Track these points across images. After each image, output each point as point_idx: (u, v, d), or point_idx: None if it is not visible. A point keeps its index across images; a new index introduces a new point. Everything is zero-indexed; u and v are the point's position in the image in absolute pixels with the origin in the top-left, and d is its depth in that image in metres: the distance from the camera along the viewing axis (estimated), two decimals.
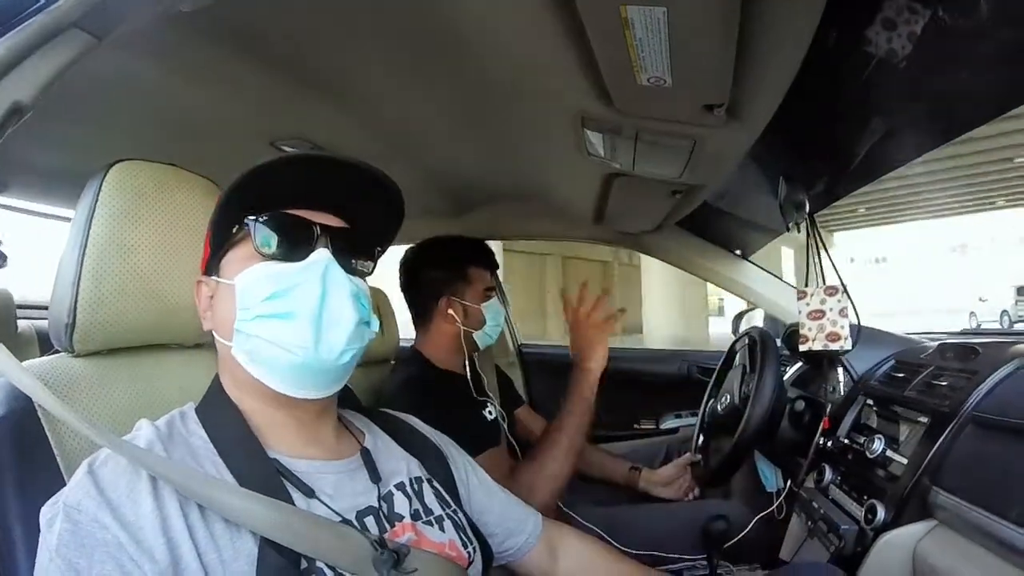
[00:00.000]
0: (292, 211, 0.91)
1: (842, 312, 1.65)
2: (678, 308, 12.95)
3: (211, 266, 0.94)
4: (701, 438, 2.11)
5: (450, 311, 1.94)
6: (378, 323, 0.98)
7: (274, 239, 0.88)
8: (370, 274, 0.99)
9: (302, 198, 0.92)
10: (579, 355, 1.84)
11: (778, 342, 1.88)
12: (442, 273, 1.99)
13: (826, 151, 1.55)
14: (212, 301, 0.93)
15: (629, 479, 2.24)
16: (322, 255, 0.88)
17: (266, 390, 0.88)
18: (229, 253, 0.92)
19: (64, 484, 0.85)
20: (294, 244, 0.89)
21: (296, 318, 0.85)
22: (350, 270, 0.92)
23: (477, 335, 1.99)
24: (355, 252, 0.95)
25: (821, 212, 1.89)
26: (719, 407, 2.02)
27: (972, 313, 23.50)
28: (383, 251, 1.04)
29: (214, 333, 0.93)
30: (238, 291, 0.87)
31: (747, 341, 2.01)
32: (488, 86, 1.35)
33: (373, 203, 0.96)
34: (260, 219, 0.89)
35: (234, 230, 0.91)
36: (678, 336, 12.50)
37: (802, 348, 1.71)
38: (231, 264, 0.91)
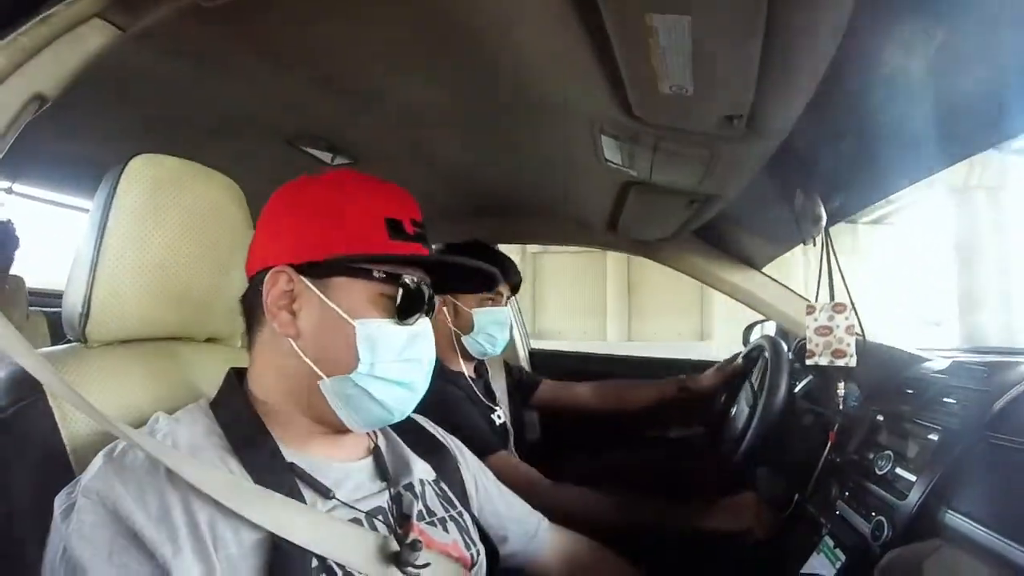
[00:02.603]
0: (412, 269, 0.93)
1: (848, 329, 1.65)
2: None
3: (311, 270, 0.90)
4: (708, 447, 2.11)
5: (443, 308, 1.95)
6: None
7: (411, 304, 0.91)
8: None
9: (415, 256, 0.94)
10: (729, 511, 1.63)
11: (789, 355, 1.88)
12: None
13: (844, 163, 1.54)
14: (294, 305, 0.91)
15: (680, 395, 2.29)
16: (426, 324, 0.95)
17: (325, 417, 0.91)
18: (346, 279, 0.90)
19: (73, 473, 0.86)
20: (420, 308, 0.93)
21: (410, 388, 0.92)
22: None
23: (467, 340, 1.98)
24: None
25: None
26: (728, 417, 2.02)
27: None
28: None
29: (294, 345, 0.90)
30: (360, 338, 0.88)
31: (757, 352, 2.01)
32: (507, 89, 1.35)
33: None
34: (407, 279, 0.91)
35: (374, 272, 0.91)
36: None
37: (809, 362, 1.71)
38: (350, 296, 0.90)
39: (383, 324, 0.89)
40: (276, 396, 0.91)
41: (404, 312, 0.90)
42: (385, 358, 0.88)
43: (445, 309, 1.97)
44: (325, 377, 0.88)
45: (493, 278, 1.07)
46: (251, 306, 0.95)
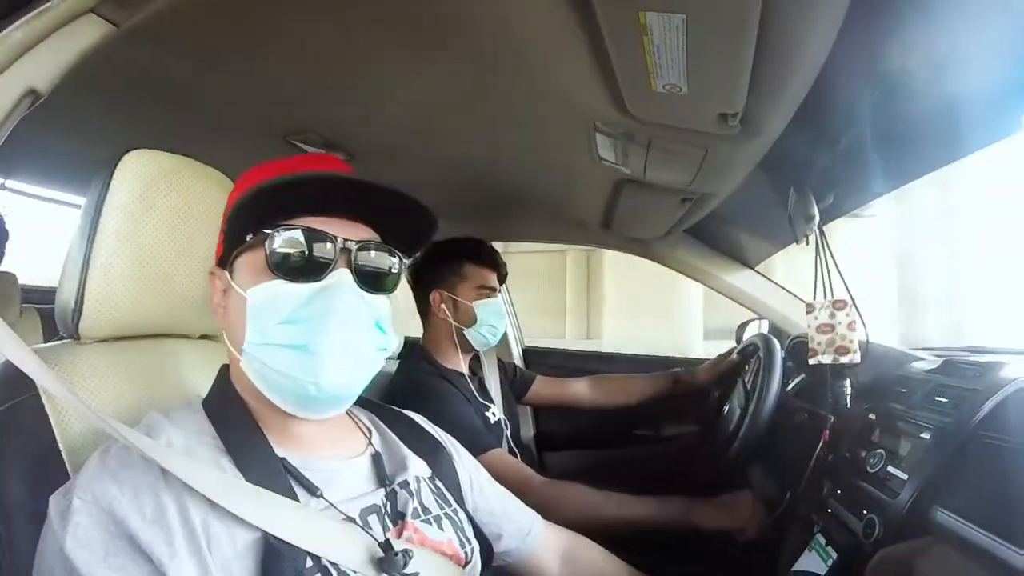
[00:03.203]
0: (314, 221, 0.87)
1: (851, 326, 1.65)
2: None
3: (224, 260, 0.92)
4: (701, 444, 2.11)
5: (442, 305, 1.96)
6: (395, 342, 0.95)
7: (292, 255, 0.85)
8: (395, 285, 0.95)
9: (327, 207, 0.88)
10: (723, 509, 1.65)
11: (781, 353, 1.88)
12: (438, 268, 2.04)
13: (838, 162, 1.55)
14: (225, 298, 0.92)
15: (676, 388, 2.32)
16: (342, 276, 0.85)
17: (267, 402, 0.87)
18: (244, 255, 0.89)
19: (67, 472, 0.86)
20: (313, 262, 0.85)
21: (308, 351, 0.83)
22: (376, 287, 0.89)
23: (469, 333, 2.00)
24: (381, 266, 0.92)
25: None
26: (721, 415, 2.02)
27: None
28: (409, 258, 1.01)
29: (224, 335, 0.91)
30: (248, 308, 0.85)
31: (751, 350, 2.01)
32: (500, 86, 1.35)
33: (402, 216, 0.93)
34: (279, 231, 0.85)
35: (248, 237, 0.88)
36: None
37: (812, 362, 1.70)
38: (244, 270, 0.89)
39: (271, 286, 0.84)
40: (246, 391, 0.91)
41: (289, 269, 0.85)
42: (270, 321, 0.83)
43: (444, 306, 1.99)
44: (236, 353, 0.87)
45: (414, 208, 0.93)
46: None
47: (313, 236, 0.86)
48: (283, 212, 0.86)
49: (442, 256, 2.06)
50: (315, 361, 0.82)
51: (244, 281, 0.87)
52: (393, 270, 0.94)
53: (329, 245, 0.86)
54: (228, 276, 0.90)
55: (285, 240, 0.85)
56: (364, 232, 0.91)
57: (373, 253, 0.90)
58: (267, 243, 0.85)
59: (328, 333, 0.83)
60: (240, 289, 0.87)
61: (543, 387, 2.45)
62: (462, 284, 2.02)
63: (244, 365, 0.87)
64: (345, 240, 0.87)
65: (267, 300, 0.84)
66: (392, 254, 0.93)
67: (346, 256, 0.87)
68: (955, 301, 8.59)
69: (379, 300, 0.90)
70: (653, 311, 8.87)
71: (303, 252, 0.85)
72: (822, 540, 1.43)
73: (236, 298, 0.88)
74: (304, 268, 0.85)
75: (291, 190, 0.84)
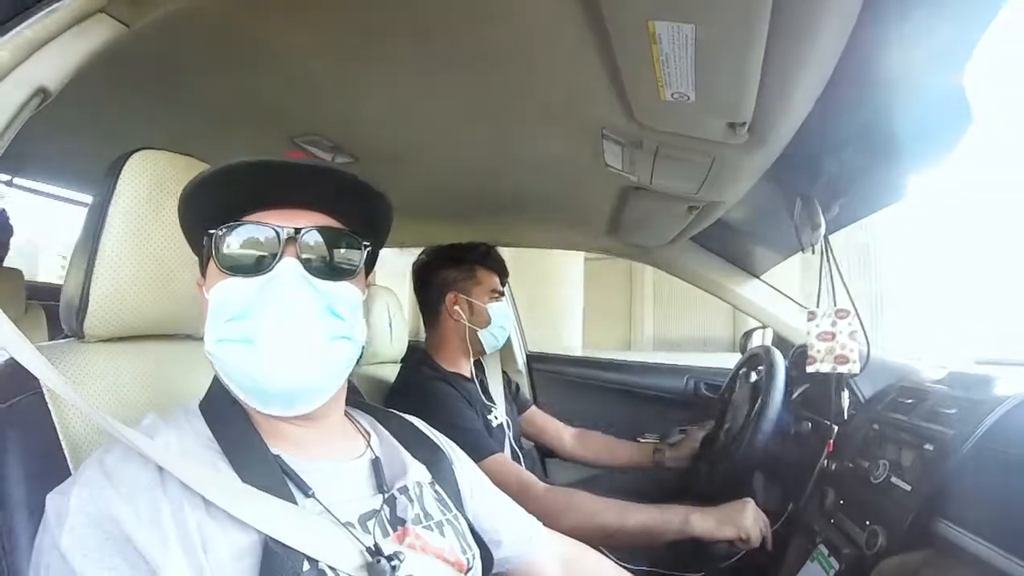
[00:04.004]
0: (263, 215, 0.86)
1: (852, 335, 1.64)
2: None
3: (202, 268, 0.92)
4: (705, 452, 2.11)
5: (456, 307, 1.98)
6: (362, 329, 0.94)
7: (235, 252, 0.85)
8: (357, 271, 0.92)
9: (270, 199, 0.87)
10: (726, 517, 1.59)
11: (785, 362, 1.88)
12: (451, 271, 2.04)
13: (845, 172, 1.54)
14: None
15: (656, 462, 2.24)
16: (287, 267, 0.84)
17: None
18: (209, 259, 0.88)
19: (68, 469, 0.85)
20: (257, 255, 0.85)
21: (255, 344, 0.82)
22: (329, 273, 0.88)
23: (482, 334, 2.02)
24: (336, 252, 0.89)
25: None
26: (725, 424, 2.02)
27: None
28: (376, 248, 0.99)
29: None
30: (209, 309, 0.86)
31: (755, 359, 2.01)
32: (508, 91, 1.35)
33: (356, 199, 0.91)
34: (220, 231, 0.85)
35: (204, 240, 0.88)
36: None
37: (810, 369, 1.70)
38: (209, 274, 0.89)
39: (223, 285, 0.85)
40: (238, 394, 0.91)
41: (235, 266, 0.84)
42: (221, 319, 0.84)
43: (458, 308, 2.00)
44: (212, 359, 0.87)
45: (380, 196, 0.93)
46: None
47: (254, 229, 0.86)
48: (228, 211, 0.86)
49: (455, 260, 2.07)
50: (260, 354, 0.82)
51: (208, 284, 0.88)
52: (349, 254, 0.91)
53: (272, 235, 0.85)
54: (202, 282, 0.91)
55: (228, 237, 0.85)
56: (318, 219, 0.89)
57: (320, 238, 0.88)
58: (213, 244, 0.86)
59: (269, 325, 0.83)
60: (205, 292, 0.88)
61: (534, 417, 2.46)
62: (476, 288, 2.04)
63: (214, 366, 0.87)
64: (286, 229, 0.85)
65: (221, 298, 0.85)
66: (345, 237, 0.91)
67: (293, 245, 0.85)
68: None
69: (335, 287, 0.88)
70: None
71: (245, 246, 0.85)
72: (825, 550, 1.42)
73: (204, 302, 0.88)
74: (249, 262, 0.85)
75: (224, 185, 0.84)
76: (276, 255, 0.84)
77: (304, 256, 0.85)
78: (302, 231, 0.86)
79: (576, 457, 2.41)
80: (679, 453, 2.21)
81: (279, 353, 0.82)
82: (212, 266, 0.87)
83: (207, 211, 0.86)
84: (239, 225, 0.85)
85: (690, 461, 2.17)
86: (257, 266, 0.84)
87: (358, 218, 0.93)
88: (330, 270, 0.88)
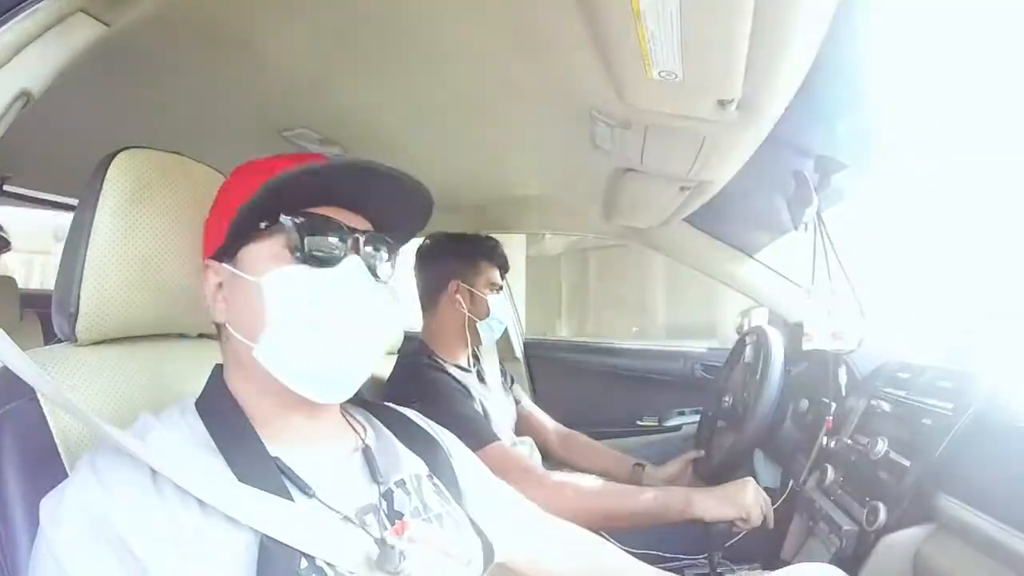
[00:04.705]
0: (327, 212, 0.89)
1: (848, 312, 1.65)
2: None
3: (225, 252, 0.91)
4: (704, 434, 2.11)
5: (457, 295, 1.99)
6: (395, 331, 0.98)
7: (313, 242, 0.87)
8: (391, 275, 0.98)
9: (334, 199, 0.91)
10: (726, 497, 1.58)
11: (782, 340, 1.88)
12: (454, 260, 2.08)
13: (837, 148, 1.54)
14: (223, 292, 0.91)
15: (632, 477, 2.19)
16: (356, 263, 0.88)
17: (282, 389, 0.86)
18: (251, 245, 0.89)
19: (65, 474, 0.85)
20: (329, 250, 0.88)
21: (327, 331, 0.86)
22: (378, 275, 0.93)
23: (481, 325, 2.04)
24: (382, 256, 0.95)
25: None
26: (723, 405, 2.02)
27: None
28: (397, 249, 1.03)
29: (228, 327, 0.90)
30: (266, 293, 0.85)
31: (752, 339, 2.01)
32: (497, 76, 1.35)
33: (402, 204, 0.96)
34: (297, 219, 0.87)
35: (263, 224, 0.88)
36: None
37: (806, 346, 1.71)
38: (254, 259, 0.88)
39: (292, 271, 0.86)
40: (243, 387, 0.90)
41: (309, 256, 0.86)
42: (292, 302, 0.85)
43: (460, 296, 2.01)
44: (248, 341, 0.87)
45: (429, 202, 0.98)
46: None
47: (331, 224, 0.89)
48: (298, 204, 0.88)
49: (457, 250, 2.10)
50: (332, 341, 0.86)
51: (256, 269, 0.87)
52: (392, 260, 0.98)
53: (347, 233, 0.89)
54: (230, 267, 0.90)
55: (306, 227, 0.87)
56: (365, 223, 0.94)
57: (377, 243, 0.94)
58: (287, 230, 0.87)
59: (343, 314, 0.87)
60: (253, 276, 0.87)
61: (529, 411, 2.47)
62: (478, 278, 2.07)
63: (259, 351, 0.86)
64: (353, 230, 0.90)
65: (288, 285, 0.85)
66: (390, 245, 0.97)
67: (355, 245, 0.90)
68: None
69: (383, 288, 0.94)
70: None
71: (324, 239, 0.88)
72: (825, 528, 1.43)
73: (244, 287, 0.87)
74: (323, 255, 0.87)
75: (311, 179, 0.86)
76: (344, 252, 0.89)
77: (364, 257, 0.90)
78: (367, 233, 0.92)
79: (559, 459, 2.41)
80: (659, 475, 2.14)
81: (353, 344, 0.89)
82: (268, 250, 0.88)
83: (282, 197, 0.87)
84: (320, 218, 0.89)
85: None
86: (328, 259, 0.87)
87: (400, 223, 0.99)
88: (379, 273, 0.94)
